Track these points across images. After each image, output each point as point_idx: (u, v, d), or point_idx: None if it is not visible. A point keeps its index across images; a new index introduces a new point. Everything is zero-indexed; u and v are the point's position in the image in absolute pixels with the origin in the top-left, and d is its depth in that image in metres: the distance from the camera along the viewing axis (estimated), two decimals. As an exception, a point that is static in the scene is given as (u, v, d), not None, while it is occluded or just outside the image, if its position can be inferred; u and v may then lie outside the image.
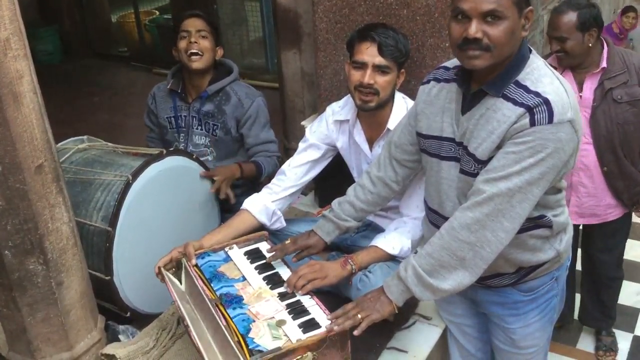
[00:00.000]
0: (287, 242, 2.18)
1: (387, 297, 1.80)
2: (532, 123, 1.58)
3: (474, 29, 1.58)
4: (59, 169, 1.95)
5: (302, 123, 3.03)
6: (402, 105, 2.32)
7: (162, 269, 2.16)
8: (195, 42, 2.77)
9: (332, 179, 2.62)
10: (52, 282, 1.97)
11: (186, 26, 2.80)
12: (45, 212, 1.89)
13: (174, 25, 2.89)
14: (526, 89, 1.62)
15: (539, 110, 1.58)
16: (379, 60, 2.20)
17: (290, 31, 3.24)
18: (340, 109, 2.44)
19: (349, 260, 2.11)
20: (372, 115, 2.30)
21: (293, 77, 3.33)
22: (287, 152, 3.35)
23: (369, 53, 2.19)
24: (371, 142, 2.39)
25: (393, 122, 2.28)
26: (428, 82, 1.89)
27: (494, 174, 1.63)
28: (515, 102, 1.62)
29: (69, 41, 7.21)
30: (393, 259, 2.19)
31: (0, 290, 1.98)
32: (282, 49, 3.31)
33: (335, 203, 2.19)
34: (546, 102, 1.58)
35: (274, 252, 2.14)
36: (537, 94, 1.60)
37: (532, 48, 1.72)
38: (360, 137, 2.39)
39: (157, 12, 7.40)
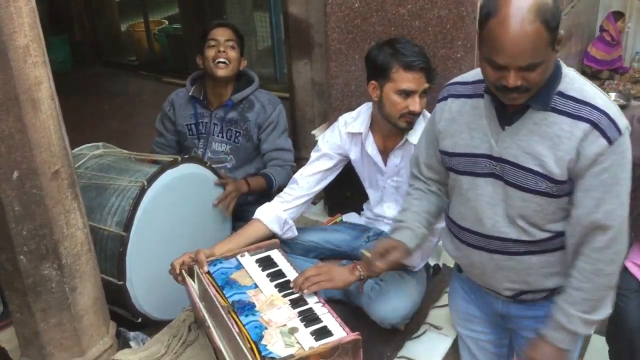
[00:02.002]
0: (366, 254, 1.99)
1: (562, 350, 1.73)
2: (609, 141, 1.56)
3: (513, 80, 1.54)
4: (75, 175, 1.97)
5: (313, 132, 3.04)
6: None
7: (183, 270, 2.17)
8: (224, 52, 2.82)
9: (342, 187, 2.64)
10: (66, 287, 1.98)
11: (215, 35, 2.85)
12: (60, 217, 1.91)
13: (201, 34, 2.91)
14: (575, 100, 1.60)
15: (605, 125, 1.56)
16: (425, 86, 2.23)
17: (301, 41, 3.26)
18: (353, 120, 2.45)
19: (358, 266, 2.11)
20: (392, 127, 2.32)
21: (303, 87, 3.34)
22: (297, 161, 3.36)
23: (419, 82, 2.20)
24: (386, 153, 2.40)
25: (412, 132, 2.30)
26: (444, 99, 1.84)
27: (609, 205, 1.60)
28: (571, 116, 1.59)
29: (79, 50, 7.25)
30: (404, 267, 2.19)
31: (14, 295, 2.00)
32: (293, 59, 3.33)
33: (401, 232, 1.95)
34: (606, 114, 1.57)
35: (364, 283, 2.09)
36: (592, 106, 1.58)
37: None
38: (372, 150, 2.40)
39: (167, 22, 7.44)
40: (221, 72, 2.82)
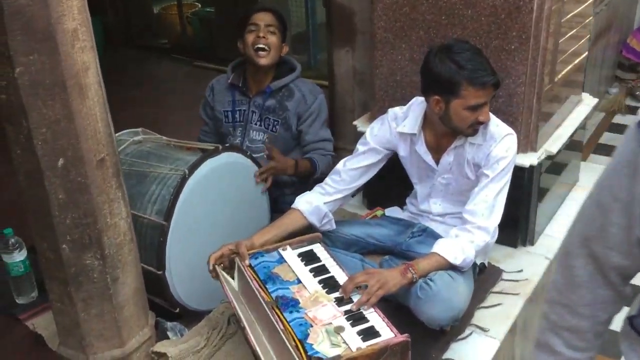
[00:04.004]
0: None
1: None
2: None
3: None
4: (119, 163, 1.92)
5: (355, 123, 2.97)
6: None
7: (217, 266, 2.13)
8: (264, 37, 2.73)
9: (381, 180, 2.57)
10: (108, 277, 1.93)
11: (255, 19, 2.76)
12: (105, 206, 1.86)
13: (241, 18, 2.83)
14: None
15: None
16: (493, 94, 2.18)
17: (344, 29, 3.18)
18: (404, 115, 2.36)
19: (410, 269, 2.04)
20: (450, 129, 2.25)
21: (344, 76, 3.26)
22: (335, 151, 3.29)
23: (488, 95, 2.15)
24: (438, 152, 2.32)
25: None
26: None
27: None
28: None
29: (112, 33, 7.23)
30: (452, 267, 2.12)
31: (55, 284, 1.96)
32: (334, 46, 3.24)
33: None
34: None
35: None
36: None
37: None
38: (422, 150, 2.33)
39: (199, 5, 7.39)
40: (263, 60, 2.74)
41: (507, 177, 2.21)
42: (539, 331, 1.38)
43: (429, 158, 2.33)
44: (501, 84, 2.20)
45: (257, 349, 1.87)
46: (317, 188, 2.42)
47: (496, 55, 2.42)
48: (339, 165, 2.43)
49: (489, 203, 2.17)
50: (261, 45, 2.73)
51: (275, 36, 2.77)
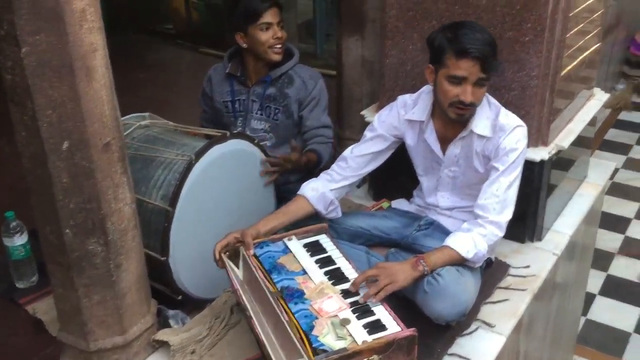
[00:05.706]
0: None
1: None
2: None
3: None
4: (125, 148, 1.88)
5: (362, 113, 2.92)
6: (484, 103, 2.20)
7: (223, 255, 2.10)
8: (280, 37, 2.74)
9: (387, 171, 2.53)
10: (111, 264, 1.90)
11: (268, 18, 2.74)
12: (109, 191, 1.82)
13: (248, 12, 2.74)
14: None
15: None
16: (480, 75, 2.07)
17: (354, 17, 3.13)
18: (413, 103, 2.33)
19: (421, 261, 2.01)
20: None
21: (353, 65, 3.22)
22: (341, 141, 3.26)
23: (472, 71, 2.05)
24: (445, 142, 2.28)
25: (477, 122, 2.18)
26: None
27: None
28: None
29: (116, 16, 7.17)
30: (463, 262, 2.08)
31: (57, 270, 1.93)
32: (344, 35, 3.20)
33: None
34: None
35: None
36: None
37: None
38: (432, 138, 2.29)
39: (205, -9, 7.32)
40: (277, 57, 2.76)
41: (518, 171, 2.17)
42: None
43: (437, 148, 2.29)
44: (494, 69, 2.13)
45: (263, 337, 1.84)
46: (323, 175, 2.39)
47: (510, 46, 2.38)
48: (346, 152, 2.40)
49: (500, 197, 2.13)
50: (279, 45, 2.74)
51: (284, 31, 2.78)
